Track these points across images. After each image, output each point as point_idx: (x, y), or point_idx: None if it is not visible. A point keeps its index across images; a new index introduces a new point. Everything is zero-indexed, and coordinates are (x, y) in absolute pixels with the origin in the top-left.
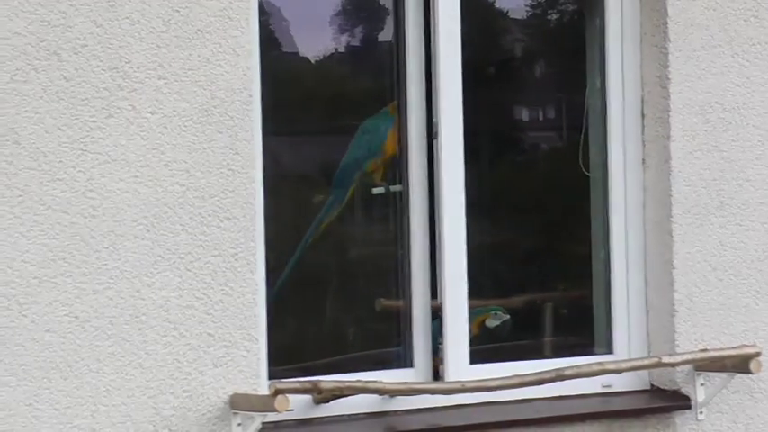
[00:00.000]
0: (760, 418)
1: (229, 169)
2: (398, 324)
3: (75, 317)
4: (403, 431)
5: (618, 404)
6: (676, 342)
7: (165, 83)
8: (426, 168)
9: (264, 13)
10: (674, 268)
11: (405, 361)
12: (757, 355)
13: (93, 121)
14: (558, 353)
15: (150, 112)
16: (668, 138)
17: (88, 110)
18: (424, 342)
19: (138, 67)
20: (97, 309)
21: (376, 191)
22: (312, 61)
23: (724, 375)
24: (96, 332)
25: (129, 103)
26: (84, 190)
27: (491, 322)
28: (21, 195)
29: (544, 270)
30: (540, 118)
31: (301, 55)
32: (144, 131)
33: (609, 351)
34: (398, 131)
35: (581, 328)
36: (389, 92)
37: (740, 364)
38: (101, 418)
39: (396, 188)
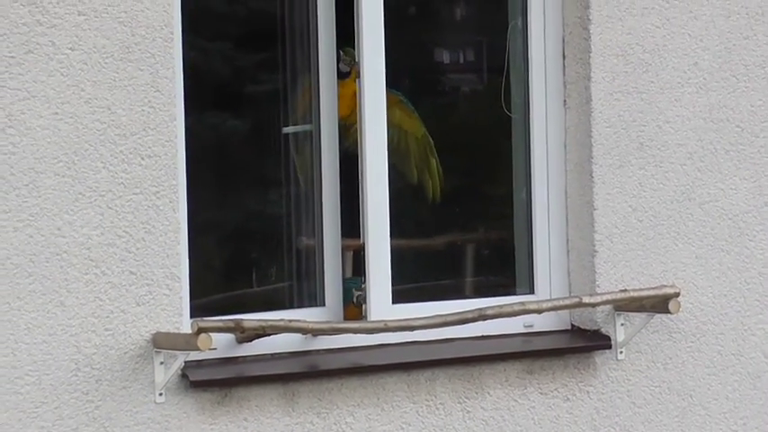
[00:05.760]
0: (678, 358)
1: (150, 107)
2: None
3: None
4: (325, 370)
5: (539, 344)
6: (597, 282)
7: (85, 19)
8: (336, 107)
9: None
10: (594, 209)
11: (317, 300)
12: (676, 295)
13: (12, 57)
14: (480, 293)
15: (70, 48)
16: (589, 79)
17: (6, 45)
18: (334, 281)
19: (57, 3)
20: (17, 246)
21: (287, 130)
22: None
23: (643, 316)
24: (16, 270)
25: (48, 38)
26: (3, 126)
27: None
28: None
29: (466, 211)
30: (462, 60)
31: None
32: (64, 68)
33: (530, 291)
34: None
35: (502, 269)
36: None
37: (659, 305)
38: (21, 356)
39: (307, 128)
